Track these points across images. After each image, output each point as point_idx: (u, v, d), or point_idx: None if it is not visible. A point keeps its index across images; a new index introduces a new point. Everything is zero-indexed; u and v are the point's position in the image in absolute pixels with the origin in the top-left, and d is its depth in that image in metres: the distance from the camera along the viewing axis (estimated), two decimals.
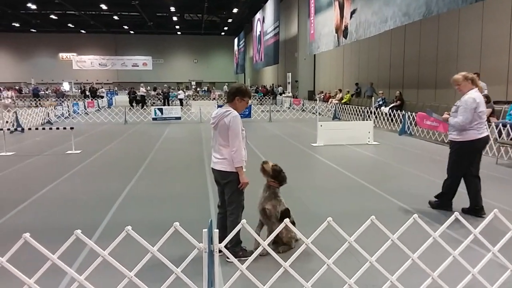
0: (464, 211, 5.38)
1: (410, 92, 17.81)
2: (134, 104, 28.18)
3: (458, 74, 5.25)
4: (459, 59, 14.76)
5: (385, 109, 16.68)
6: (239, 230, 3.15)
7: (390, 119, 15.59)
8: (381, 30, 15.69)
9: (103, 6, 37.08)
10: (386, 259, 3.20)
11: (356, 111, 17.86)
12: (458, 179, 5.40)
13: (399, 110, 15.48)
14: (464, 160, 5.26)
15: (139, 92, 28.78)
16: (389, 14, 14.69)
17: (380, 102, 18.29)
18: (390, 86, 19.67)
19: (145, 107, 27.51)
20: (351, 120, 17.19)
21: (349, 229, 3.17)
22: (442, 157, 9.51)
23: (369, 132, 11.81)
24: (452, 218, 3.04)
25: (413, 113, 13.36)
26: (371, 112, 13.34)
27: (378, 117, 16.10)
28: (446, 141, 11.39)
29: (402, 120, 13.82)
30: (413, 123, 13.29)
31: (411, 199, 6.09)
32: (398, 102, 17.17)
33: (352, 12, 18.34)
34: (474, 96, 5.09)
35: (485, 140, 5.24)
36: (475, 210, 5.29)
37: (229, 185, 3.96)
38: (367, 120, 15.28)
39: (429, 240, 3.03)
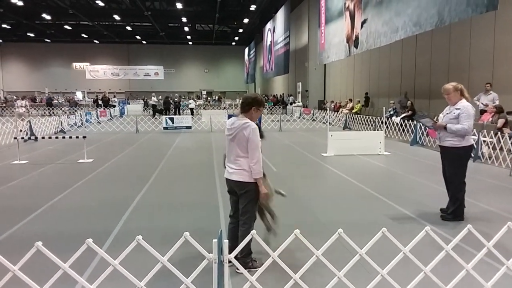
0: (444, 213, 5.64)
1: (421, 102, 17.69)
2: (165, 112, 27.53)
3: (448, 84, 5.50)
4: (471, 69, 14.64)
5: (396, 119, 16.58)
6: (250, 240, 3.14)
7: (401, 129, 15.48)
8: (392, 40, 15.66)
9: (116, 17, 37.67)
10: (398, 272, 3.15)
11: (366, 121, 17.78)
12: (464, 183, 5.50)
13: (410, 120, 15.37)
14: (465, 164, 5.49)
15: (150, 101, 29.04)
16: (400, 24, 14.67)
17: (391, 112, 18.19)
18: (401, 96, 19.56)
19: (156, 116, 27.73)
20: (362, 130, 17.11)
21: (360, 241, 3.14)
22: None
23: (380, 142, 11.73)
24: (465, 231, 3.00)
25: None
26: (382, 122, 13.26)
27: (389, 127, 16.00)
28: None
29: (414, 130, 13.72)
30: (425, 133, 13.18)
31: (423, 210, 6.01)
32: (410, 112, 17.06)
33: (363, 22, 18.36)
34: (470, 104, 5.40)
35: (473, 146, 5.65)
36: (461, 216, 5.55)
37: (246, 195, 3.96)
38: (378, 130, 15.19)
39: (441, 253, 2.99)
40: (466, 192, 5.55)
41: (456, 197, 5.50)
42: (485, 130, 10.43)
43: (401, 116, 16.92)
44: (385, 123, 15.82)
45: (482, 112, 12.47)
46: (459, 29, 14.96)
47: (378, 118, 16.34)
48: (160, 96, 30.20)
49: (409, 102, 17.55)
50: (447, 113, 5.53)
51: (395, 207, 6.26)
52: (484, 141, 10.29)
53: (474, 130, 5.39)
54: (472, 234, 3.01)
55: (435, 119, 5.84)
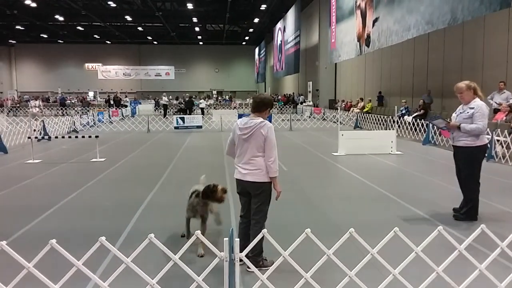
0: (459, 218, 5.54)
1: (434, 101, 17.50)
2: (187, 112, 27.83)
3: (461, 83, 5.40)
4: (484, 67, 14.45)
5: (408, 118, 16.43)
6: (262, 239, 3.14)
7: (413, 128, 15.33)
8: (404, 39, 15.52)
9: (128, 18, 37.98)
10: (410, 272, 3.13)
11: (378, 120, 17.65)
12: (479, 183, 5.45)
13: (422, 119, 15.21)
14: (480, 164, 5.42)
15: (161, 101, 29.21)
16: (412, 22, 14.53)
17: (403, 111, 18.03)
18: (413, 95, 19.38)
19: (167, 116, 27.89)
20: (373, 129, 16.99)
21: (371, 240, 3.12)
22: None
23: (391, 142, 11.64)
24: (478, 230, 2.96)
25: None
26: (394, 121, 13.15)
27: (401, 126, 15.86)
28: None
29: (426, 129, 13.58)
30: (437, 132, 13.03)
31: (435, 210, 5.95)
32: (422, 111, 16.88)
33: (375, 21, 18.22)
34: (484, 103, 5.34)
35: (487, 145, 5.55)
36: (474, 216, 5.51)
37: (261, 195, 3.97)
38: (389, 129, 15.08)
39: (454, 253, 2.96)
40: (480, 191, 5.48)
41: (470, 198, 5.44)
42: (499, 129, 10.28)
43: (413, 115, 16.76)
44: (397, 122, 15.70)
45: (496, 111, 12.30)
46: (472, 27, 14.76)
47: (390, 117, 16.21)
48: (171, 96, 30.37)
49: (421, 101, 17.37)
50: (460, 112, 5.46)
51: (407, 207, 6.21)
52: (498, 141, 10.15)
53: (488, 129, 5.30)
54: (486, 234, 2.98)
55: (448, 120, 5.79)
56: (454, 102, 15.96)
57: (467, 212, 5.48)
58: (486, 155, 10.01)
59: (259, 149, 3.92)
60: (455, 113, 5.59)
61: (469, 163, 5.41)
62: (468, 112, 5.31)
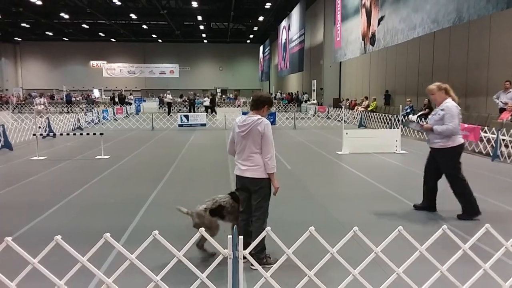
0: (418, 208, 5.82)
1: None
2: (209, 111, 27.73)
3: (432, 84, 5.60)
4: (490, 67, 14.36)
5: (413, 117, 16.37)
6: (265, 236, 3.15)
7: None
8: (410, 37, 15.45)
9: (133, 16, 38.05)
10: (414, 271, 3.12)
11: (382, 119, 17.59)
12: (465, 181, 5.52)
13: (427, 119, 15.15)
14: (457, 163, 5.50)
15: (165, 99, 29.26)
16: (417, 21, 14.46)
17: (408, 110, 17.96)
18: (418, 94, 19.29)
19: (171, 113, 27.94)
20: (378, 128, 16.94)
21: (375, 239, 3.12)
22: (472, 168, 9.24)
23: (396, 141, 11.60)
24: (483, 230, 2.95)
25: None
26: (398, 121, 13.10)
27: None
28: (477, 151, 11.07)
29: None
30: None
31: (439, 209, 5.93)
32: (427, 110, 16.80)
33: (380, 19, 18.16)
34: (454, 104, 5.44)
35: (464, 145, 5.61)
36: (433, 207, 5.79)
37: (260, 191, 4.02)
38: (394, 128, 15.03)
39: (459, 252, 2.95)
40: (485, 191, 5.50)
41: (462, 196, 5.52)
42: (504, 129, 10.22)
43: (418, 114, 16.70)
44: (402, 121, 15.63)
45: (502, 110, 12.23)
46: (478, 26, 14.67)
47: (395, 116, 16.15)
48: (175, 95, 30.39)
49: (426, 100, 17.29)
50: (433, 115, 5.65)
51: (411, 205, 6.19)
52: (503, 140, 10.10)
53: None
54: (490, 234, 2.97)
55: (422, 122, 5.94)
56: (459, 102, 15.91)
57: (467, 210, 5.51)
58: (491, 154, 10.00)
59: (256, 146, 3.97)
60: (430, 115, 5.78)
61: (447, 163, 5.53)
62: (439, 114, 5.43)
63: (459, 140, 5.45)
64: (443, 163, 5.56)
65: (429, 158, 5.84)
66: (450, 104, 5.41)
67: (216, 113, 26.67)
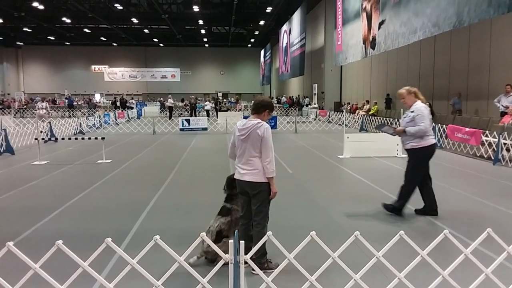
0: (419, 212, 5.83)
1: (440, 103, 17.44)
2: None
3: (401, 89, 5.87)
4: (491, 70, 14.37)
5: None
6: (265, 241, 3.15)
7: None
8: (410, 41, 15.48)
9: (134, 20, 38.20)
10: (415, 276, 3.12)
11: (384, 123, 17.57)
12: (417, 184, 5.76)
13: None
14: (425, 164, 5.70)
15: (167, 103, 29.32)
16: (418, 25, 14.49)
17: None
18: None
19: (172, 118, 27.99)
20: (379, 132, 16.92)
21: (376, 244, 3.11)
22: (473, 171, 9.23)
23: (397, 145, 11.58)
24: (484, 234, 2.95)
25: (444, 125, 13.04)
26: (400, 124, 13.07)
27: None
28: (478, 155, 11.06)
29: (432, 132, 13.50)
30: (443, 135, 12.97)
31: (441, 213, 5.91)
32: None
33: (381, 23, 18.20)
34: (424, 105, 5.66)
35: (435, 145, 5.77)
36: (434, 210, 5.79)
37: (259, 195, 4.01)
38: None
39: (460, 256, 2.95)
40: (487, 195, 5.54)
41: (407, 192, 5.74)
42: (505, 133, 10.21)
43: None
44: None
45: (503, 114, 12.23)
46: (478, 29, 14.70)
47: (396, 119, 16.14)
48: (176, 99, 30.46)
49: (427, 103, 17.27)
50: (404, 117, 5.85)
51: (413, 209, 6.18)
52: (505, 144, 10.08)
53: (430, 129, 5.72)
54: (492, 238, 2.96)
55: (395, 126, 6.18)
56: (465, 105, 15.90)
57: (398, 205, 5.78)
58: (492, 158, 9.99)
59: (256, 149, 3.97)
60: (402, 118, 5.98)
61: (415, 163, 5.71)
62: (410, 116, 5.64)
63: (431, 140, 5.63)
64: (413, 163, 5.74)
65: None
66: (420, 106, 5.63)
67: (217, 116, 26.86)
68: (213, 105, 30.72)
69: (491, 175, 8.78)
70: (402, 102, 5.93)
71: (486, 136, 10.78)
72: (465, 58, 15.80)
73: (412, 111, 5.64)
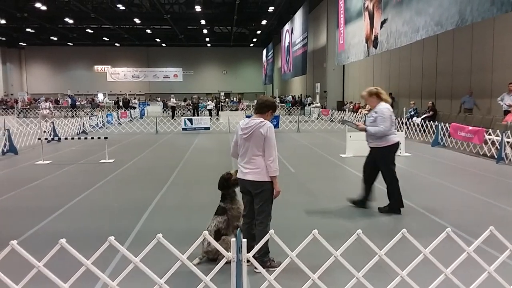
0: (383, 211, 5.97)
1: (443, 102, 17.39)
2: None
3: (364, 91, 6.04)
4: (494, 69, 14.32)
5: (417, 120, 16.33)
6: (268, 239, 3.16)
7: (422, 130, 15.23)
8: (413, 40, 15.44)
9: (137, 20, 38.27)
10: (418, 274, 3.12)
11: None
12: (396, 179, 5.94)
13: (431, 121, 15.11)
14: (392, 161, 5.94)
15: (169, 102, 29.36)
16: (421, 23, 14.45)
17: (412, 113, 17.93)
18: (422, 96, 19.27)
19: (175, 117, 28.03)
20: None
21: (379, 242, 3.12)
22: (477, 170, 9.20)
23: (400, 143, 11.55)
24: (487, 232, 2.94)
25: (447, 124, 13.01)
26: (402, 123, 13.06)
27: (409, 128, 15.77)
28: (481, 153, 11.03)
29: (435, 131, 13.48)
30: (446, 134, 12.94)
31: (443, 212, 5.91)
32: (431, 112, 16.78)
33: (383, 22, 18.16)
34: (387, 106, 5.81)
35: (398, 143, 6.03)
36: (364, 202, 6.15)
37: (261, 194, 4.00)
38: (398, 130, 14.97)
39: (463, 255, 2.94)
40: (490, 193, 5.51)
41: (393, 194, 5.91)
42: (508, 131, 10.18)
43: (422, 117, 16.66)
44: (406, 123, 15.59)
45: (506, 112, 12.19)
46: (481, 28, 14.65)
47: (398, 118, 16.12)
48: (178, 98, 30.48)
49: (430, 102, 17.26)
50: (368, 116, 6.07)
51: (415, 208, 6.18)
52: (508, 142, 10.05)
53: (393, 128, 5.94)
54: (495, 236, 2.96)
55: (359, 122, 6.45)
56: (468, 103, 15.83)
57: (391, 205, 5.94)
58: (496, 156, 9.96)
59: (259, 148, 3.97)
60: (367, 117, 6.20)
61: (382, 161, 5.92)
62: (373, 116, 5.83)
63: (393, 139, 5.82)
64: (379, 161, 5.95)
65: (367, 157, 6.18)
66: (382, 107, 5.78)
67: (218, 115, 26.88)
68: (215, 105, 30.76)
69: (494, 174, 8.75)
70: (366, 103, 6.09)
71: (489, 134, 10.75)
72: (468, 57, 15.74)
73: (376, 112, 5.81)
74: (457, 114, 15.23)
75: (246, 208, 4.20)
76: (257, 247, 3.07)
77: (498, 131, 10.49)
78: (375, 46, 19.19)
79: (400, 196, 5.95)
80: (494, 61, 14.30)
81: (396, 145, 5.92)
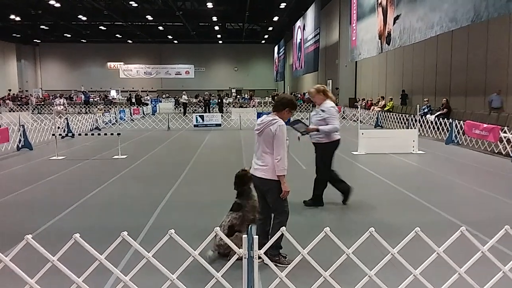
0: (308, 204, 6.12)
1: (457, 99, 17.14)
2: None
3: (311, 88, 6.15)
4: (509, 66, 14.06)
5: (431, 117, 16.13)
6: (282, 236, 3.14)
7: (436, 127, 15.03)
8: (427, 36, 15.22)
9: (149, 17, 38.44)
10: (431, 273, 3.08)
11: (400, 119, 17.36)
12: (329, 175, 6.17)
13: (445, 118, 14.91)
14: (331, 157, 6.12)
15: (181, 99, 29.47)
16: (435, 19, 14.24)
17: (425, 110, 17.72)
18: (436, 94, 19.02)
19: (187, 114, 28.15)
20: (394, 128, 16.74)
21: (392, 240, 3.09)
22: (491, 168, 9.07)
23: (413, 141, 11.43)
24: (502, 232, 2.90)
25: (461, 121, 12.82)
26: (416, 120, 12.91)
27: (423, 125, 15.59)
28: (496, 151, 10.86)
29: (449, 128, 13.30)
30: (461, 131, 12.75)
31: (458, 211, 5.84)
32: (445, 110, 16.56)
33: (396, 18, 17.94)
34: (333, 104, 5.97)
35: (339, 141, 6.17)
36: (346, 198, 6.25)
37: (270, 192, 4.02)
38: (411, 128, 14.82)
39: (477, 254, 2.90)
40: (505, 192, 5.41)
41: (320, 183, 6.11)
42: None
43: (436, 114, 16.46)
44: (419, 121, 15.41)
45: None
46: (497, 25, 14.38)
47: (412, 115, 15.94)
48: (190, 95, 30.58)
49: (444, 99, 17.03)
50: (314, 115, 6.17)
51: (428, 206, 6.11)
52: None
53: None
54: (510, 235, 2.91)
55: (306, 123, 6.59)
56: (478, 100, 15.62)
57: (315, 198, 6.13)
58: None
59: (268, 146, 3.98)
60: (312, 114, 6.33)
61: (322, 156, 6.11)
62: (320, 114, 5.92)
63: (336, 136, 6.03)
64: (319, 155, 6.13)
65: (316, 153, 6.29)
66: (329, 105, 5.90)
67: (222, 111, 27.07)
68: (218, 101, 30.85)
69: (509, 172, 8.61)
70: (313, 100, 6.22)
71: (505, 132, 10.56)
72: (483, 54, 15.47)
73: (323, 110, 5.87)
74: (487, 114, 14.64)
75: (260, 204, 4.21)
76: (268, 244, 3.06)
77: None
78: (388, 43, 18.99)
79: (322, 192, 6.16)
80: (510, 57, 14.03)
81: (337, 142, 6.08)
